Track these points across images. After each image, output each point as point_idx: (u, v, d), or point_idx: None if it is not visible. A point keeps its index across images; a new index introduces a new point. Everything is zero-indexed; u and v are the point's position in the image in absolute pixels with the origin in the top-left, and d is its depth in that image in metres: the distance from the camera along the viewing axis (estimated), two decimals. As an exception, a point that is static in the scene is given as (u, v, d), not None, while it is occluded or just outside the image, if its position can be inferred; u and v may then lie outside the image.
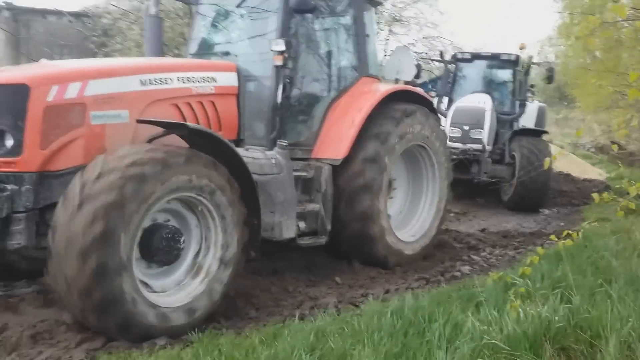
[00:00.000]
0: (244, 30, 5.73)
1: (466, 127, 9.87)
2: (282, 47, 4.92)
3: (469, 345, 3.30)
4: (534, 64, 11.24)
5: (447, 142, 9.23)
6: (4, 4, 11.16)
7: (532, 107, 11.43)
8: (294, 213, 4.96)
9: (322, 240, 5.30)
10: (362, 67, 5.97)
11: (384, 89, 5.86)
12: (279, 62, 4.98)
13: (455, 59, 11.65)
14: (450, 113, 10.29)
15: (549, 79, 11.01)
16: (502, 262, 6.19)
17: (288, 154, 5.04)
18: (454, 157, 9.16)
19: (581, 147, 21.30)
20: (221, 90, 5.01)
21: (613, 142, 19.44)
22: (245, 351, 3.34)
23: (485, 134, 9.82)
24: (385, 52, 12.46)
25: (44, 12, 12.44)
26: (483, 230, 7.98)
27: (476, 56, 11.69)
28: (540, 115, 11.50)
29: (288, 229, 4.90)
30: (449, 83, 11.44)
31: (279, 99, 5.09)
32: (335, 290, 5.09)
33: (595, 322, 3.45)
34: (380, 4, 6.97)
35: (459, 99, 10.73)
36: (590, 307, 3.73)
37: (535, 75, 13.39)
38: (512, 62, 10.94)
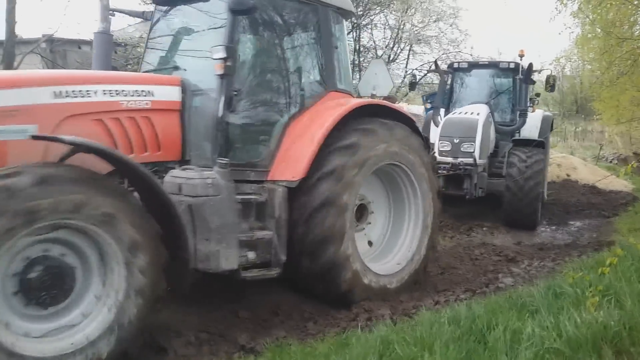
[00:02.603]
0: (194, 43, 5.23)
1: (456, 140, 9.25)
2: (223, 54, 4.42)
3: (531, 350, 3.47)
4: (534, 72, 10.59)
5: (437, 156, 9.19)
6: (42, 37, 11.63)
7: (535, 116, 10.78)
8: (234, 241, 4.33)
9: (273, 272, 4.69)
10: (329, 82, 5.47)
11: (349, 103, 5.25)
12: (220, 71, 4.47)
13: (452, 69, 11.18)
14: (440, 125, 9.72)
15: (551, 87, 10.72)
16: (543, 273, 6.33)
17: (229, 174, 4.44)
18: (444, 172, 9.09)
19: (604, 160, 21.34)
20: (159, 105, 4.53)
21: (636, 153, 19.46)
22: (318, 358, 3.54)
23: (476, 147, 9.17)
24: (405, 71, 12.64)
25: (79, 43, 12.95)
26: (518, 243, 8.11)
27: (474, 65, 11.29)
28: (545, 126, 10.70)
29: (227, 259, 4.27)
30: (445, 94, 10.92)
31: (221, 113, 4.53)
32: (386, 302, 5.27)
33: (650, 326, 3.60)
34: (352, 15, 6.37)
35: (454, 110, 10.30)
36: (643, 312, 3.88)
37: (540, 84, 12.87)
38: (512, 70, 10.49)
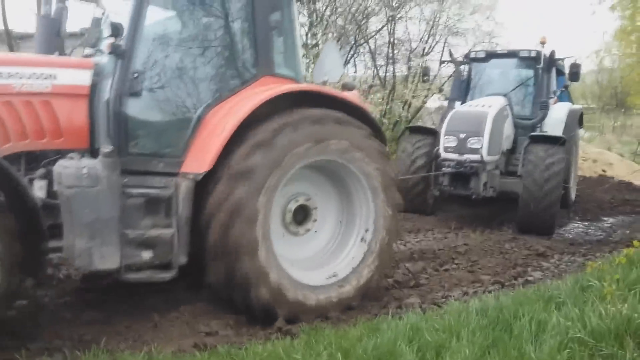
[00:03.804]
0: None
1: (462, 135, 8.52)
2: (109, 32, 4.15)
3: (555, 339, 3.62)
4: (558, 59, 9.83)
5: (442, 152, 8.68)
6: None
7: (561, 110, 9.83)
8: (115, 238, 3.96)
9: (166, 275, 4.22)
10: (264, 66, 4.84)
11: (276, 90, 4.60)
12: (108, 50, 4.19)
13: (470, 59, 10.46)
14: (446, 119, 9.02)
15: (575, 76, 9.74)
16: (572, 268, 6.42)
17: (113, 163, 4.03)
18: (449, 169, 8.58)
19: (642, 155, 20.88)
20: (62, 89, 4.21)
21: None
22: (351, 341, 3.76)
23: (484, 142, 8.40)
24: (440, 64, 12.66)
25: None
26: (549, 239, 8.15)
27: (492, 54, 10.51)
28: (571, 121, 9.74)
29: (103, 258, 3.91)
30: (461, 86, 10.32)
31: (110, 96, 4.21)
32: (415, 292, 5.47)
33: (674, 320, 3.70)
34: None
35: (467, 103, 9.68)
36: (668, 307, 3.98)
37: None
38: (533, 60, 9.53)
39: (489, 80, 10.26)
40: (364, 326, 4.14)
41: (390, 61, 14.54)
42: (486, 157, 8.45)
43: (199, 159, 4.38)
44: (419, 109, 15.48)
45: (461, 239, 7.85)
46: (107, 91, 4.26)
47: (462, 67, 10.49)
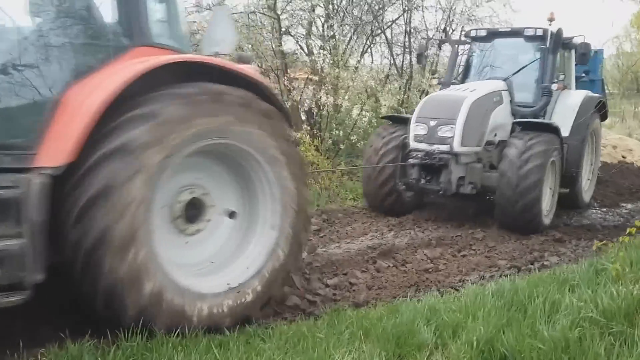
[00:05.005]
0: None
1: (433, 123, 7.58)
2: None
3: (567, 318, 3.78)
4: (566, 39, 8.79)
5: (411, 142, 7.69)
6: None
7: (575, 97, 8.91)
8: None
9: (16, 299, 3.27)
10: (139, 35, 4.09)
11: (155, 61, 3.79)
12: None
13: (470, 38, 9.37)
14: (419, 105, 8.17)
15: (583, 58, 8.73)
16: (589, 253, 6.52)
17: None
18: (416, 160, 7.63)
19: (663, 141, 20.66)
20: None
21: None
22: (371, 321, 3.96)
23: (457, 131, 7.42)
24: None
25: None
26: (567, 225, 8.24)
27: (494, 33, 9.30)
28: (584, 110, 8.72)
29: None
30: (461, 68, 9.43)
31: None
32: (433, 275, 5.64)
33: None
34: None
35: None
36: (679, 287, 4.11)
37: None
38: (539, 39, 8.51)
39: (491, 62, 9.17)
40: (384, 308, 4.34)
41: (407, 50, 14.59)
42: (458, 148, 7.44)
43: (58, 149, 3.50)
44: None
45: (479, 226, 7.96)
46: None
47: (460, 47, 9.64)
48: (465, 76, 9.41)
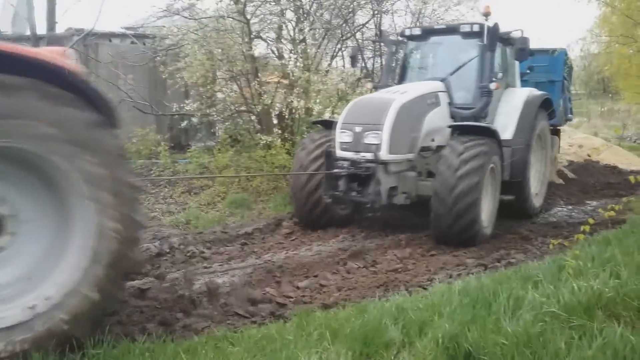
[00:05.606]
0: None
1: (358, 129, 7.01)
2: None
3: (530, 313, 3.86)
4: (503, 34, 8.16)
5: (336, 150, 7.16)
6: (74, 30, 12.20)
7: (517, 96, 8.39)
8: None
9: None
10: None
11: None
12: None
13: (405, 37, 8.85)
14: (344, 110, 7.55)
15: (521, 54, 7.97)
16: (555, 250, 6.66)
17: None
18: (342, 171, 7.03)
19: (628, 139, 21.28)
20: None
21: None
22: (340, 322, 3.99)
23: (384, 138, 6.86)
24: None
25: (109, 36, 13.51)
26: (533, 223, 8.41)
27: (430, 31, 8.74)
28: (528, 111, 8.18)
29: None
30: (396, 70, 8.91)
31: None
32: (402, 275, 5.71)
33: (642, 293, 3.97)
34: None
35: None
36: (637, 281, 4.24)
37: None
38: (477, 35, 7.91)
39: (427, 63, 8.76)
40: (353, 308, 4.38)
41: (377, 53, 14.72)
42: (386, 156, 6.90)
43: None
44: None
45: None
46: None
47: (394, 47, 9.12)
48: (402, 78, 8.85)
